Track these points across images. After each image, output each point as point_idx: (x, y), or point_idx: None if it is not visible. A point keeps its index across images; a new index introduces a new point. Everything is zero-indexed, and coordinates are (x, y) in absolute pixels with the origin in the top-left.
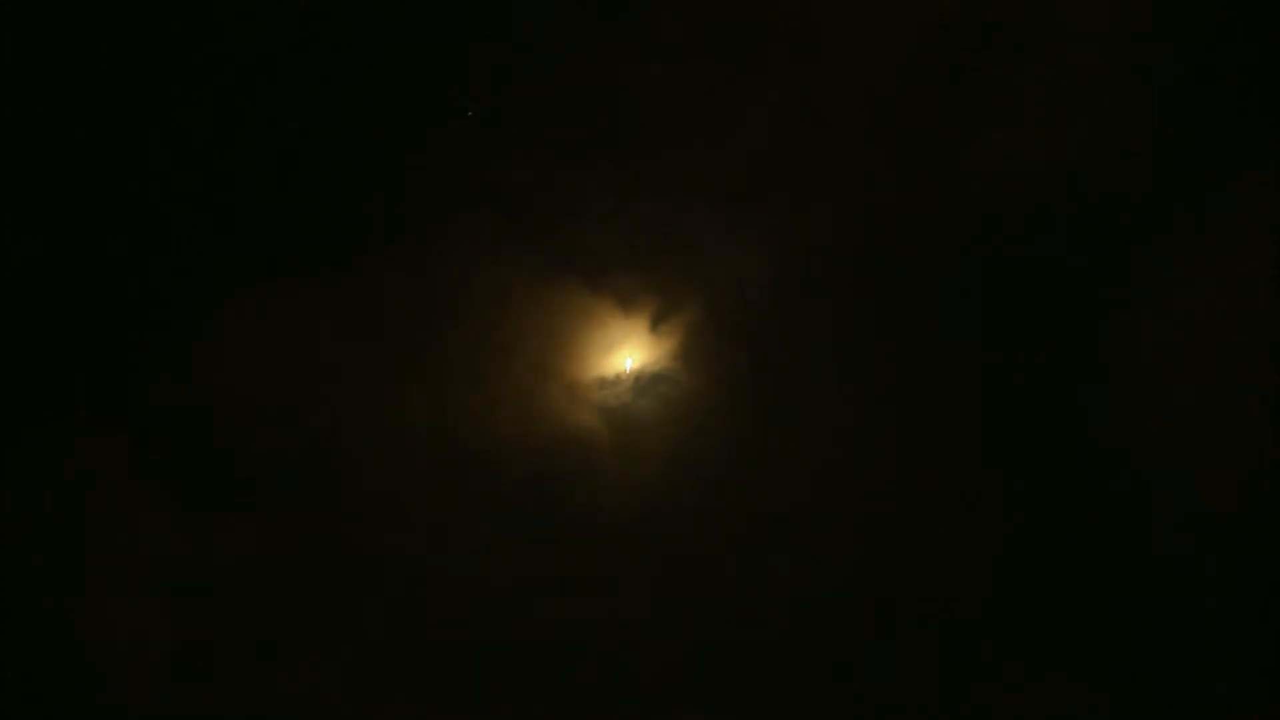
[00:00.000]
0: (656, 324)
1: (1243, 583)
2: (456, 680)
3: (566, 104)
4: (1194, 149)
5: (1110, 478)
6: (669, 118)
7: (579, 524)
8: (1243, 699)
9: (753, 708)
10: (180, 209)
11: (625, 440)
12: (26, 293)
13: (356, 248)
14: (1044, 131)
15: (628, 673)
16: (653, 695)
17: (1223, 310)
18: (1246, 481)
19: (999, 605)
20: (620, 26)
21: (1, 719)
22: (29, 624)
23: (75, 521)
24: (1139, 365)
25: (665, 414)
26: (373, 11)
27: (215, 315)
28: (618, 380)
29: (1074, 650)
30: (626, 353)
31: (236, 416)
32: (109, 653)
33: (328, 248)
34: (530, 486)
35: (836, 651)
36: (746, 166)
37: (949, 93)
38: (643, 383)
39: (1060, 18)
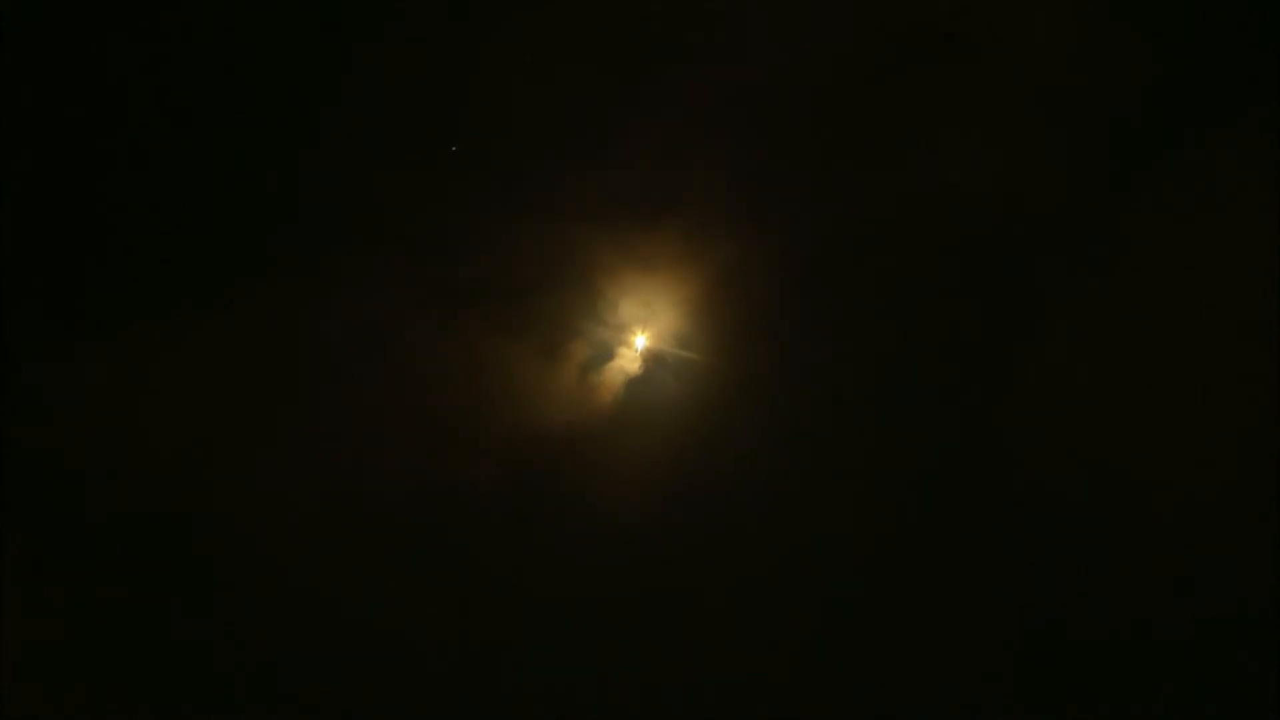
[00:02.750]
0: (586, 374)
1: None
2: None
3: (455, 125)
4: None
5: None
6: (561, 137)
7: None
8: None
9: None
10: (30, 238)
11: (550, 501)
12: None
13: (232, 282)
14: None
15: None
16: None
17: (1176, 306)
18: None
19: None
20: (503, 40)
21: None
22: None
23: None
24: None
25: (593, 476)
26: (246, 37)
27: (69, 355)
28: (541, 437)
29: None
30: (551, 405)
31: (92, 467)
32: None
33: (200, 282)
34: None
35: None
36: (646, 187)
37: (871, 99)
38: (572, 437)
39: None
